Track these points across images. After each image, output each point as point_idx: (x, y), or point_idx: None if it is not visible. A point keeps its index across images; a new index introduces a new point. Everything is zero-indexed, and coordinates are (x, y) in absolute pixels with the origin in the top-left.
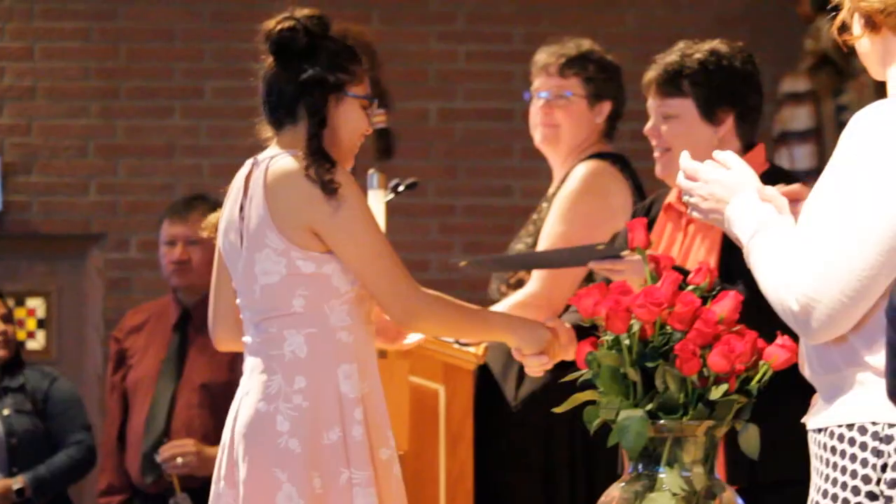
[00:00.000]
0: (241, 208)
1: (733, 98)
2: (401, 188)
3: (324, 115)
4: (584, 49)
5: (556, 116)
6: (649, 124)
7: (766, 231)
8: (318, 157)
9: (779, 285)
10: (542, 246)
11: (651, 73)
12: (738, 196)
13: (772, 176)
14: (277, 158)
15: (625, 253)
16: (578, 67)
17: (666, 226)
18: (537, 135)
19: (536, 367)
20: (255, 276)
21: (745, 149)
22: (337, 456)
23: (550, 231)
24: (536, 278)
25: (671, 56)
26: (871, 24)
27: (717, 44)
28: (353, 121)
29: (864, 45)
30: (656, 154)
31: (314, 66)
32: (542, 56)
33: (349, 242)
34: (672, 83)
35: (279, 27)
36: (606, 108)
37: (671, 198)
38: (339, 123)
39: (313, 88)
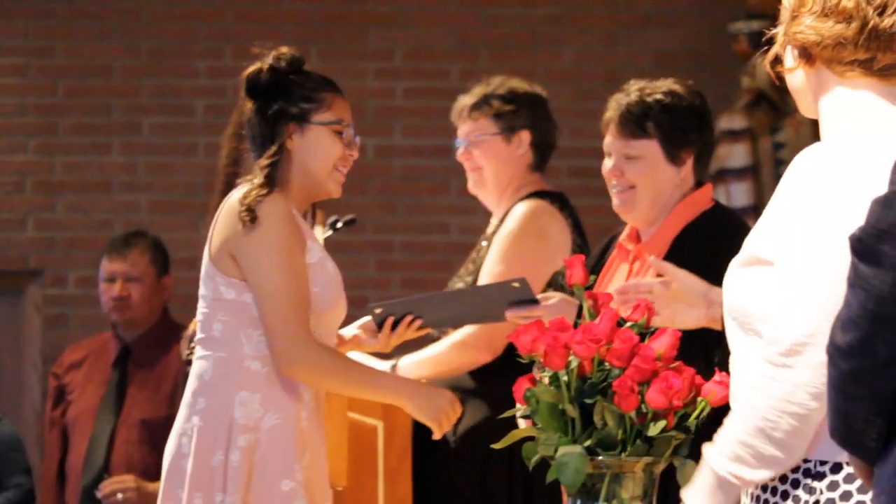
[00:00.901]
0: None
1: (694, 138)
2: (339, 225)
3: (281, 144)
4: (489, 89)
5: (476, 160)
6: (609, 164)
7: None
8: (259, 185)
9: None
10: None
11: (612, 113)
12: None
13: (715, 214)
14: (239, 188)
15: (540, 296)
16: (484, 106)
17: (614, 264)
18: (468, 181)
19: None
20: (200, 299)
21: (696, 186)
22: (216, 479)
23: (489, 270)
24: None
25: (631, 97)
26: (807, 56)
27: (671, 83)
28: (322, 147)
29: (798, 77)
30: (615, 191)
31: (279, 101)
32: (457, 105)
33: (253, 271)
34: (636, 124)
35: (248, 70)
36: (525, 137)
37: (623, 237)
38: (307, 152)
39: (276, 120)
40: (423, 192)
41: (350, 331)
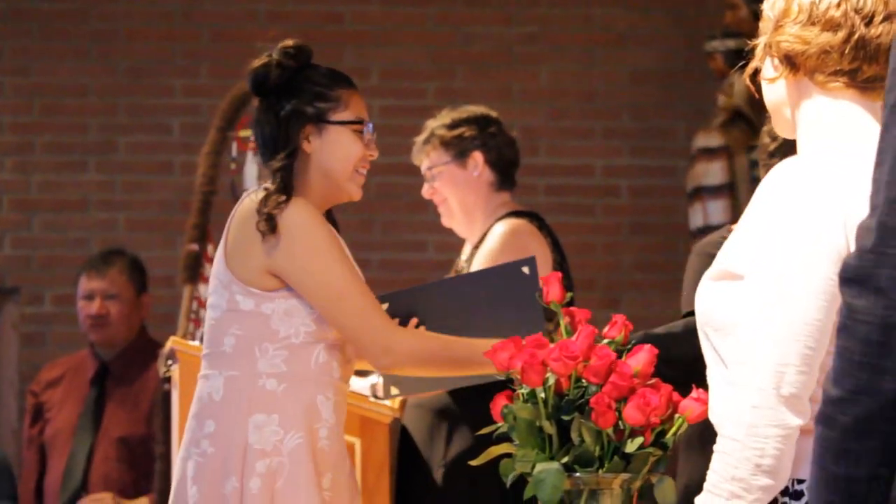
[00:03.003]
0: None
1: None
2: None
3: (295, 147)
4: (435, 122)
5: (440, 192)
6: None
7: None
8: (275, 191)
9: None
10: None
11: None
12: None
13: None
14: (252, 192)
15: None
16: (432, 139)
17: None
18: (442, 217)
19: None
20: (209, 309)
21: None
22: None
23: None
24: None
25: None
26: (791, 65)
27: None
28: (342, 148)
29: (777, 89)
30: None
31: (291, 100)
32: (414, 148)
33: (308, 284)
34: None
35: (254, 66)
36: (478, 157)
37: None
38: (326, 153)
39: (290, 122)
40: (400, 209)
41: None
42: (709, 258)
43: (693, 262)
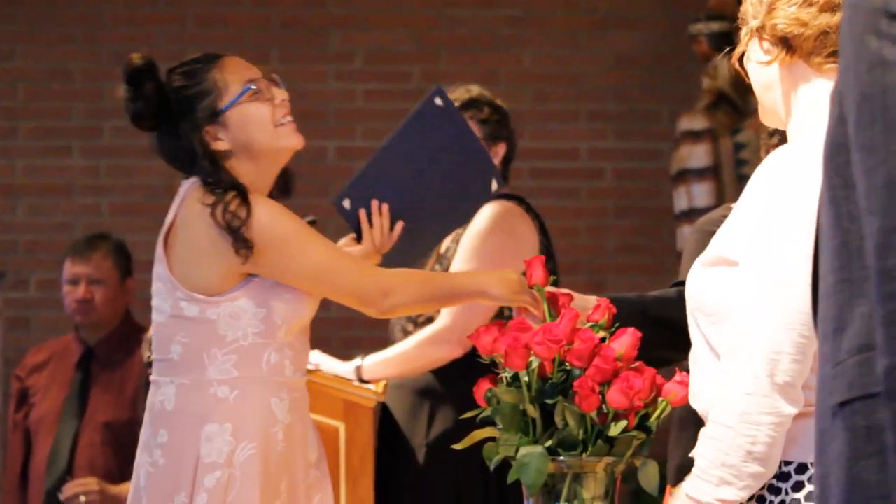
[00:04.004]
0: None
1: None
2: None
3: (210, 155)
4: (475, 93)
5: None
6: None
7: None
8: (229, 204)
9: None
10: None
11: None
12: None
13: None
14: (193, 187)
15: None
16: (474, 109)
17: None
18: None
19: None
20: (153, 311)
21: None
22: None
23: (460, 268)
24: (446, 313)
25: None
26: (787, 47)
27: None
28: (248, 123)
29: (770, 72)
30: None
31: (176, 120)
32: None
33: (290, 275)
34: None
35: (126, 108)
36: (501, 150)
37: None
38: (239, 138)
39: (190, 139)
40: None
41: None
42: (707, 235)
43: (692, 240)
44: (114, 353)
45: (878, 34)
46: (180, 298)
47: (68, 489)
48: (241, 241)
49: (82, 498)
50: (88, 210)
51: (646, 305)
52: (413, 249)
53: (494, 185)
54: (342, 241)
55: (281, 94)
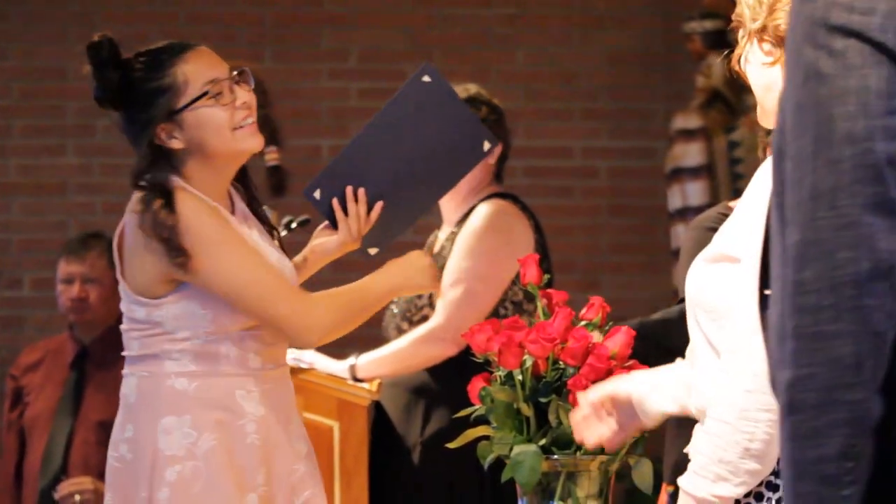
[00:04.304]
0: None
1: None
2: (293, 225)
3: (153, 146)
4: (472, 92)
5: None
6: None
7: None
8: (151, 206)
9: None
10: (445, 281)
11: None
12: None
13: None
14: (133, 200)
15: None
16: (472, 108)
17: None
18: None
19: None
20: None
21: None
22: None
23: (455, 266)
24: (441, 311)
25: None
26: None
27: None
28: (204, 126)
29: (772, 73)
30: None
31: (133, 109)
32: None
33: (209, 281)
34: None
35: (91, 82)
36: (498, 149)
37: None
38: (194, 139)
39: (143, 130)
40: None
41: (315, 243)
42: (705, 232)
43: (689, 238)
44: (108, 353)
45: (816, 45)
46: (130, 301)
47: (63, 488)
48: (174, 249)
49: (77, 497)
50: (82, 209)
51: (647, 331)
52: (397, 223)
53: (487, 146)
54: (317, 230)
55: (243, 96)
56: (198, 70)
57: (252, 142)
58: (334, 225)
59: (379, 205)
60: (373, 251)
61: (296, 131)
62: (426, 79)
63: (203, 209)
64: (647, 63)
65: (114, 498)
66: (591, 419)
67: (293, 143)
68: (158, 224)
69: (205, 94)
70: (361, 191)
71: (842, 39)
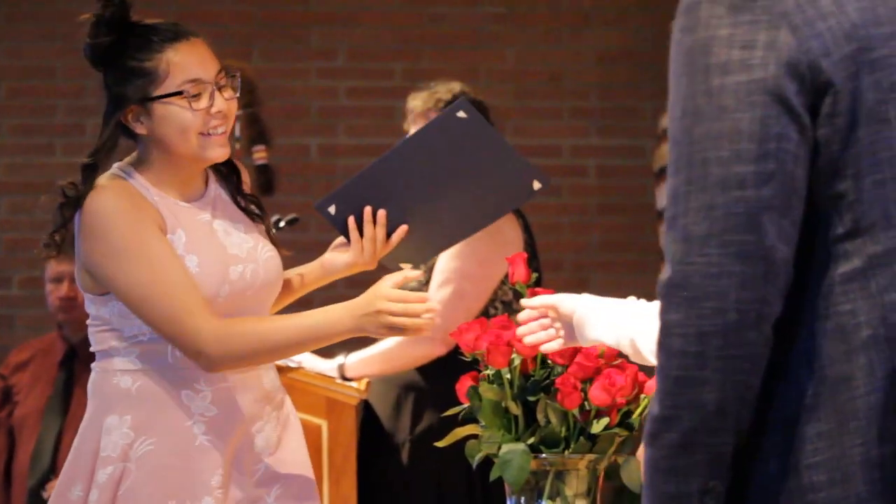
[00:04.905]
0: None
1: None
2: (282, 224)
3: (113, 131)
4: (457, 91)
5: None
6: None
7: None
8: (67, 197)
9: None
10: (435, 281)
11: None
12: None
13: None
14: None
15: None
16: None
17: None
18: None
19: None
20: None
21: None
22: None
23: (444, 266)
24: None
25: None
26: None
27: None
28: (171, 123)
29: None
30: None
31: (112, 79)
32: (417, 102)
33: (113, 286)
34: None
35: (87, 36)
36: None
37: None
38: (158, 132)
39: (114, 105)
40: None
41: (326, 256)
42: None
43: None
44: None
45: (693, 80)
46: (85, 296)
47: (52, 487)
48: (48, 242)
49: None
50: None
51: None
52: (430, 247)
53: (537, 185)
54: (334, 243)
55: (221, 104)
56: (183, 64)
57: (216, 152)
58: (349, 241)
59: (402, 229)
60: (406, 267)
61: (284, 130)
62: (461, 115)
63: (118, 212)
64: (636, 62)
65: (54, 497)
66: (533, 324)
67: (282, 141)
68: (59, 215)
69: (180, 92)
70: (382, 213)
71: (719, 77)
